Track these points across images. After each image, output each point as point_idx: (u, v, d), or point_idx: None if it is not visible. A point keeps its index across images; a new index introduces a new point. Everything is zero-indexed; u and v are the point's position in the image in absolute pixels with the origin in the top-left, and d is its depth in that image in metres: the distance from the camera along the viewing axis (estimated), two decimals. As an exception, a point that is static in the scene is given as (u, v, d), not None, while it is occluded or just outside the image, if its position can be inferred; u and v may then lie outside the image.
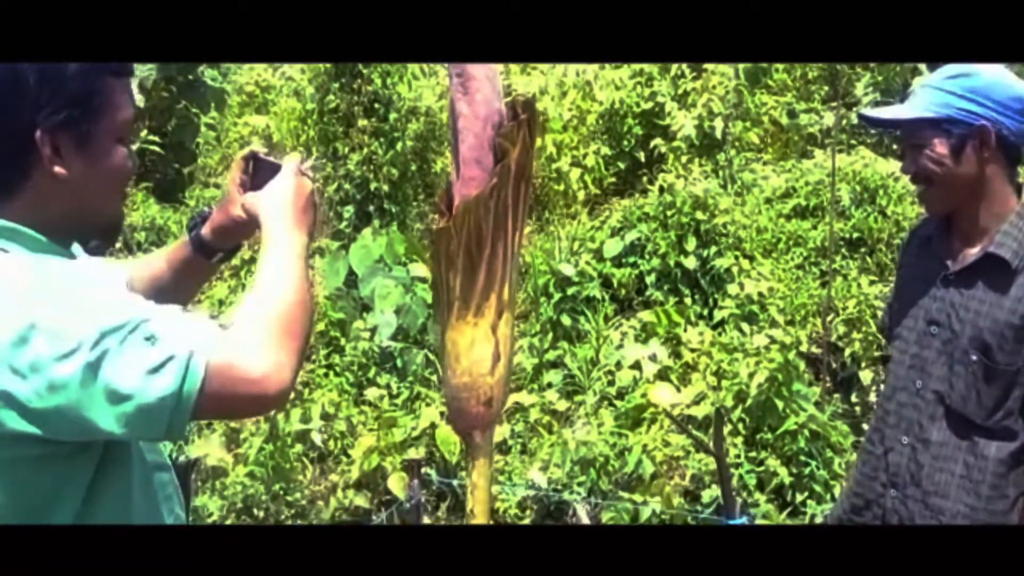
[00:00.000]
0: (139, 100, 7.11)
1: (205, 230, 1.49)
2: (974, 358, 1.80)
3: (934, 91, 1.82)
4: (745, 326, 4.68)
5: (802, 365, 4.06)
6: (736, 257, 5.22)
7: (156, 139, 7.37)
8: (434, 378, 4.75)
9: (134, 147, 7.17)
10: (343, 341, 4.94)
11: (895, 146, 8.96)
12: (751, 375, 3.71)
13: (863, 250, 5.51)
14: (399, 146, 5.47)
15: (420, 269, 5.12)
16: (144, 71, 7.23)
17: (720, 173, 7.53)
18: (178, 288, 1.52)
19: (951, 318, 1.85)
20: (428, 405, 4.40)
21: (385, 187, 5.35)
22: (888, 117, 1.96)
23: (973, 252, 1.86)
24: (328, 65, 5.28)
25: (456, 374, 1.59)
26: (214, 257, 1.52)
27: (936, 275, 1.91)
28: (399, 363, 4.78)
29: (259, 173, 1.41)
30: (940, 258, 1.92)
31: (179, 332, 1.06)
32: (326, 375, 4.76)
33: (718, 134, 8.44)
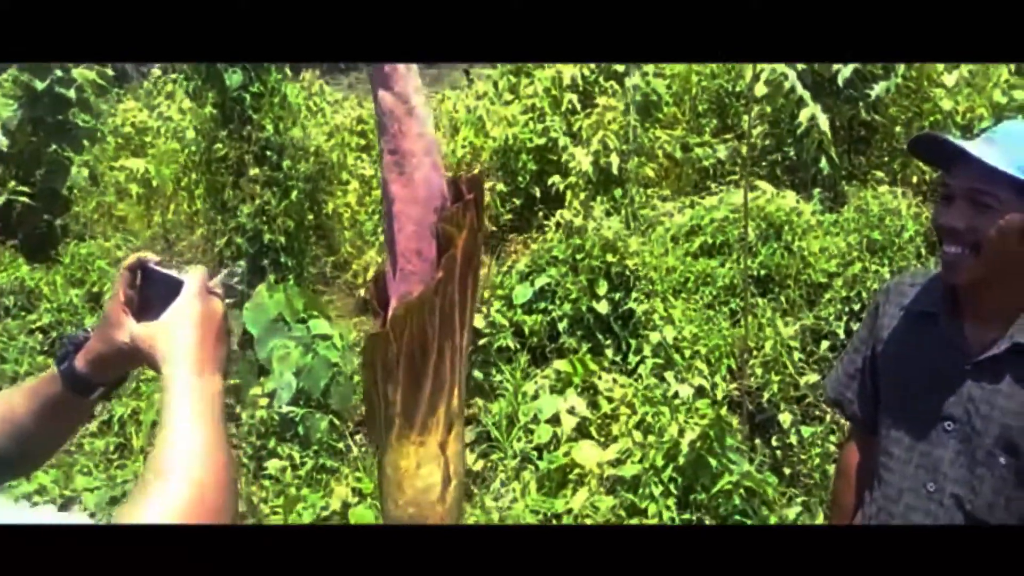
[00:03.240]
0: (3, 144, 6.55)
1: (79, 361, 1.15)
2: (1002, 461, 1.59)
3: None
4: (664, 373, 4.53)
5: (735, 420, 3.93)
6: (648, 300, 5.09)
7: (25, 189, 6.81)
8: (341, 445, 4.43)
9: (-1, 199, 6.57)
10: (239, 409, 4.56)
11: (786, 177, 9.12)
12: (681, 431, 3.54)
13: (774, 288, 5.47)
14: (293, 195, 5.14)
15: (322, 326, 4.80)
16: (8, 113, 6.68)
17: (623, 211, 7.47)
18: (44, 433, 1.18)
19: (971, 414, 1.63)
20: (337, 480, 4.06)
21: (280, 239, 5.01)
22: (977, 155, 1.53)
23: (996, 340, 1.63)
24: (213, 110, 4.91)
25: (399, 505, 1.33)
26: (92, 393, 1.18)
27: (948, 363, 1.67)
28: (301, 430, 4.44)
29: (150, 288, 1.11)
30: (952, 343, 1.68)
31: None
32: (222, 447, 4.37)
33: (615, 169, 8.42)
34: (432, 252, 1.31)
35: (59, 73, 6.35)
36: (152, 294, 1.10)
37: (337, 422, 4.48)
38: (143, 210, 9.60)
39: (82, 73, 6.71)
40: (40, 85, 6.40)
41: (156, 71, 11.98)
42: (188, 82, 4.87)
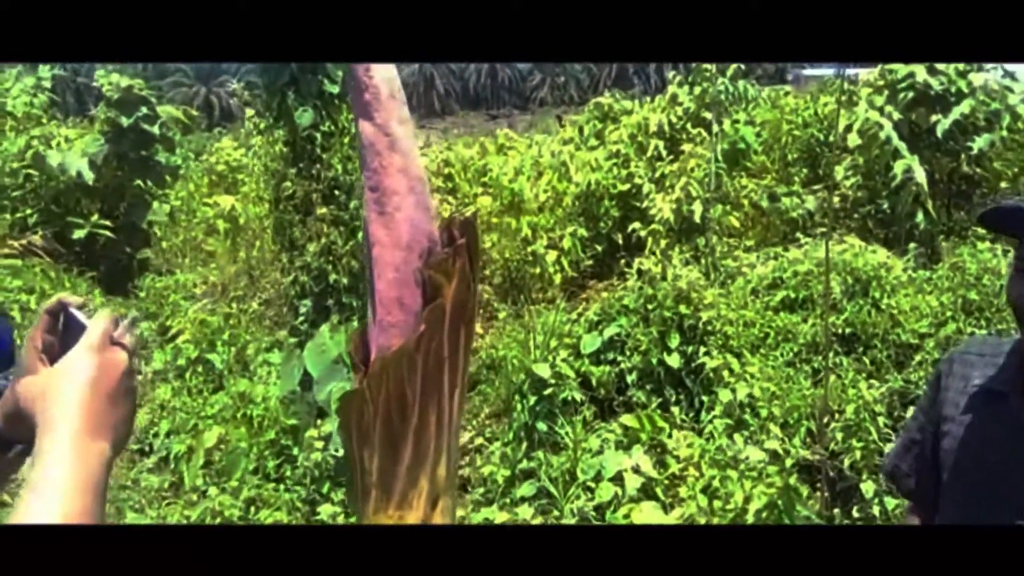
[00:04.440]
0: (89, 178, 6.71)
1: None
2: None
3: None
4: (736, 436, 4.27)
5: (805, 490, 3.64)
6: (724, 355, 4.84)
7: (108, 223, 6.96)
8: (393, 493, 4.29)
9: (82, 232, 6.72)
10: (296, 451, 4.48)
11: (879, 231, 8.73)
12: (747, 499, 3.29)
13: (859, 348, 5.15)
14: (360, 235, 5.07)
15: (381, 369, 4.69)
16: (95, 148, 6.85)
17: (702, 260, 7.23)
18: None
19: None
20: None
21: (345, 279, 4.94)
22: None
23: None
24: (284, 148, 4.91)
25: (372, 587, 1.16)
26: (9, 451, 1.03)
27: (1021, 449, 1.43)
28: (356, 475, 4.32)
29: (69, 335, 0.97)
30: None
31: None
32: (275, 490, 4.28)
33: (697, 218, 8.18)
34: (416, 302, 1.15)
35: (144, 110, 6.51)
36: (70, 342, 0.97)
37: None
38: (229, 246, 9.78)
39: (167, 110, 6.86)
40: (126, 121, 6.56)
41: (251, 111, 12.26)
42: (259, 119, 4.89)
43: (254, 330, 5.79)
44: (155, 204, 7.11)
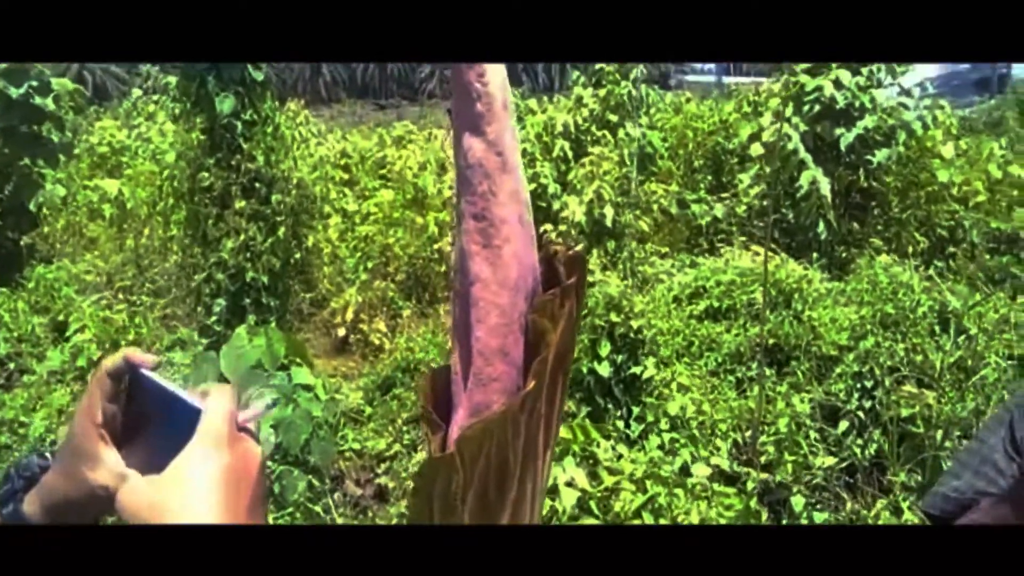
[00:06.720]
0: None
1: (30, 505, 0.78)
2: None
3: None
4: (677, 448, 4.21)
5: (764, 513, 3.59)
6: (660, 368, 4.78)
7: (-9, 206, 6.37)
8: (318, 508, 4.04)
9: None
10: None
11: (783, 240, 8.91)
12: (702, 521, 3.21)
13: (781, 359, 5.19)
14: (281, 231, 4.77)
15: (304, 374, 4.43)
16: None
17: (619, 266, 7.20)
18: None
19: None
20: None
21: (263, 278, 4.62)
22: None
23: None
24: (201, 136, 4.56)
25: None
26: None
27: None
28: (277, 489, 4.06)
29: (144, 405, 0.76)
30: None
31: None
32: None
33: (608, 222, 8.16)
34: (519, 352, 0.98)
35: (35, 83, 5.97)
36: (146, 415, 0.74)
37: (316, 482, 4.10)
38: (115, 232, 9.19)
39: (61, 83, 6.32)
40: (15, 92, 6.00)
41: (137, 91, 11.59)
42: (174, 104, 4.53)
43: (156, 328, 5.39)
44: (48, 185, 6.51)
